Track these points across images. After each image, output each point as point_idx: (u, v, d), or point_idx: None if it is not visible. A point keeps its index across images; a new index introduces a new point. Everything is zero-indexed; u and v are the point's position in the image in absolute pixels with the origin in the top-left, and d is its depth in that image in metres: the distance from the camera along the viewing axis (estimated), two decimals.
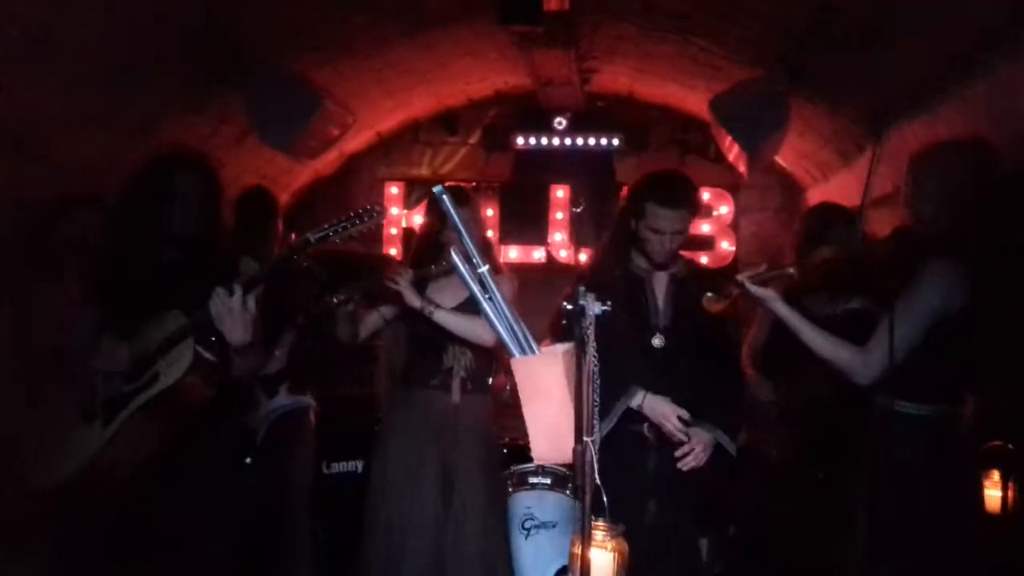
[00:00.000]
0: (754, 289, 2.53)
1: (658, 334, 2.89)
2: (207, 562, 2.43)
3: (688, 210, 2.90)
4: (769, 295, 2.52)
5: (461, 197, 3.16)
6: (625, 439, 2.78)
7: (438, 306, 3.14)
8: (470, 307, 3.08)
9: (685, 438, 2.79)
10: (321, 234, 2.39)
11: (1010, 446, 3.20)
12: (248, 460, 3.32)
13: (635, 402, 2.80)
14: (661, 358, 2.87)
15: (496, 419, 3.44)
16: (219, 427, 2.53)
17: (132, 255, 2.47)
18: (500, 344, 3.19)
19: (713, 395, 2.86)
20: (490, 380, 3.41)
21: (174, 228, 2.46)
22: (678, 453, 2.80)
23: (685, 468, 2.80)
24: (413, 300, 3.10)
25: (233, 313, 2.29)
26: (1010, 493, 3.23)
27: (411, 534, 3.12)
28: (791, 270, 2.58)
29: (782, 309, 2.51)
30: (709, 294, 2.68)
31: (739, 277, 2.58)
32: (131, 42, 3.08)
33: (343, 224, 2.41)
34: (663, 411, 2.79)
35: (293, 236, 2.70)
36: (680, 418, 2.78)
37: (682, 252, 3.06)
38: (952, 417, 2.37)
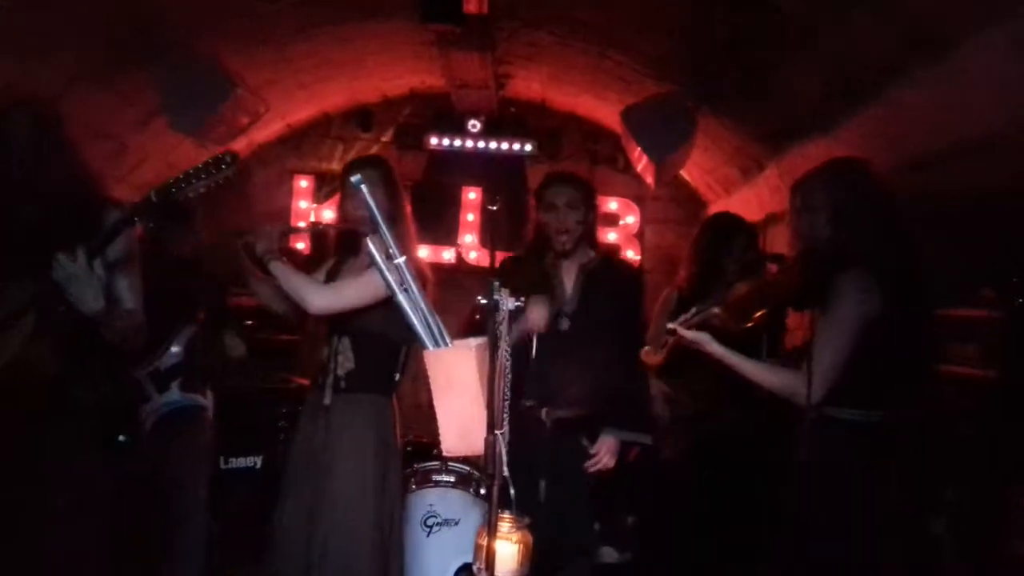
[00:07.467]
0: (688, 334, 2.61)
1: (565, 318, 3.10)
2: (68, 540, 2.26)
3: (577, 187, 3.16)
4: (703, 338, 2.58)
5: (383, 170, 2.95)
6: (523, 420, 2.82)
7: (280, 258, 2.81)
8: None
9: None
10: (164, 191, 2.26)
11: None
12: (122, 438, 3.10)
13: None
14: (567, 340, 3.07)
15: (396, 421, 2.96)
16: (79, 399, 2.35)
17: None
18: (390, 332, 3.05)
19: (616, 392, 3.04)
20: (396, 377, 2.94)
21: (14, 179, 2.28)
22: (587, 464, 3.03)
23: (592, 470, 3.02)
24: (265, 246, 2.81)
25: (78, 279, 2.17)
26: None
27: (283, 545, 2.85)
28: (716, 309, 2.63)
29: (717, 349, 2.57)
30: (647, 347, 2.94)
31: (671, 325, 2.69)
32: (37, 10, 2.95)
33: (190, 178, 2.30)
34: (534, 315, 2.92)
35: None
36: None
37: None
38: (879, 423, 2.37)
